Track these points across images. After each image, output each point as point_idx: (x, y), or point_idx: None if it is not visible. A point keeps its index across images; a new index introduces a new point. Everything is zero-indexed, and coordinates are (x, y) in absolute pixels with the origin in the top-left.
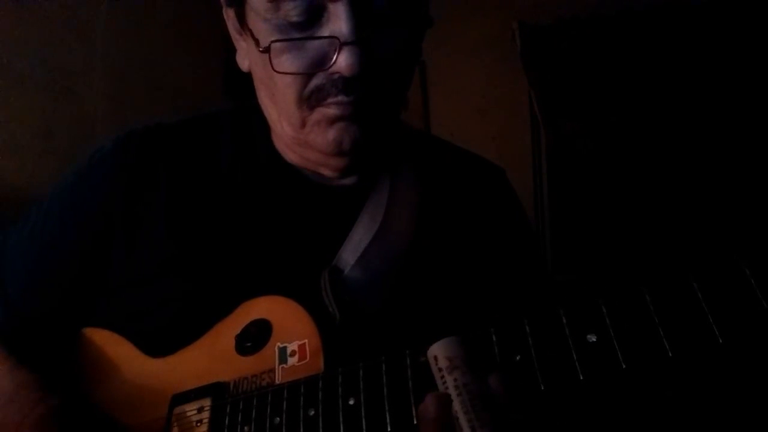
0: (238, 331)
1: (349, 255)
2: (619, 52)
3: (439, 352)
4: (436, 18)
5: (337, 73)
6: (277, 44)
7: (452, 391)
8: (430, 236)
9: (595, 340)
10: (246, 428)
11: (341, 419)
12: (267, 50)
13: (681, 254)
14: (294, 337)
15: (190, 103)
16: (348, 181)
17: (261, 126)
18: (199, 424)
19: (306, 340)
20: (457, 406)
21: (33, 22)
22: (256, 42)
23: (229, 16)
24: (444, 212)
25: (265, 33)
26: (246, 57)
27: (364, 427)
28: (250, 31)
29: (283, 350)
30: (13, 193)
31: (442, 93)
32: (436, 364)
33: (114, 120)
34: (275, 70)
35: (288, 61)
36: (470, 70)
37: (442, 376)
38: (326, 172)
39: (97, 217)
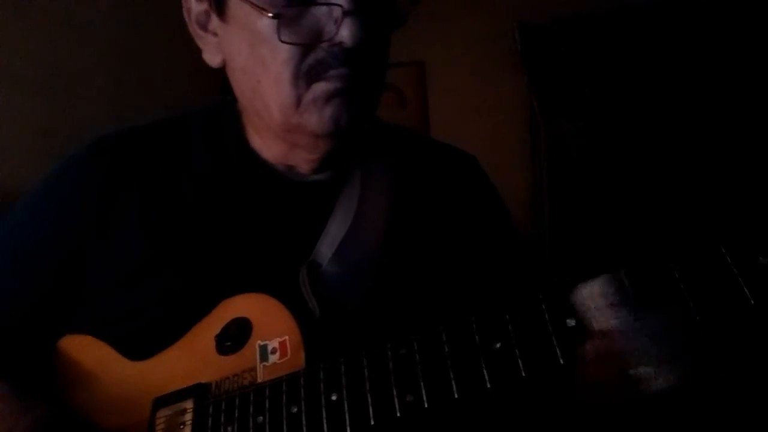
0: (218, 331)
1: (326, 249)
2: (619, 51)
3: (593, 291)
4: (435, 18)
5: (338, 44)
6: (281, 16)
7: (622, 327)
8: (404, 226)
9: (574, 324)
10: (229, 428)
11: (324, 415)
12: (278, 16)
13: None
14: (274, 334)
15: (189, 103)
16: (321, 176)
17: (231, 124)
18: (182, 427)
19: (286, 337)
20: (627, 342)
21: (33, 23)
22: (263, 11)
23: (192, 10)
24: (417, 202)
25: (265, 4)
26: (218, 51)
27: (347, 422)
28: (253, 4)
29: (263, 348)
30: (12, 193)
31: (441, 92)
32: (592, 304)
33: (114, 120)
34: (282, 41)
35: (290, 34)
36: (470, 70)
37: (601, 315)
38: (303, 164)
39: (71, 225)
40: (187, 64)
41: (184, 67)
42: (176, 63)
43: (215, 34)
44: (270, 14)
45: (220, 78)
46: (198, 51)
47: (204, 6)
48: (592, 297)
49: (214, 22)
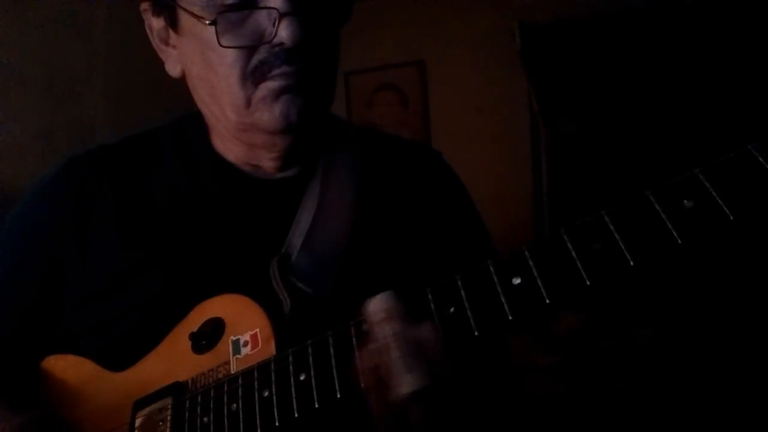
0: (193, 332)
1: (296, 242)
2: (619, 50)
3: (375, 306)
4: (436, 18)
5: (279, 45)
6: (219, 24)
7: (387, 340)
8: (369, 216)
9: (519, 281)
10: (205, 419)
11: (294, 395)
12: (214, 23)
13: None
14: (246, 329)
15: (190, 104)
16: (288, 173)
17: (197, 132)
18: (161, 424)
19: (257, 330)
20: (390, 353)
21: (34, 23)
22: (202, 19)
23: (154, 27)
24: (382, 193)
25: (206, 14)
26: (178, 62)
27: (315, 398)
28: (193, 14)
29: (236, 342)
30: (12, 193)
31: (441, 92)
32: (373, 318)
33: (114, 121)
34: (222, 46)
35: (231, 38)
36: (470, 69)
37: (378, 328)
38: (268, 163)
39: (50, 242)
40: None
41: None
42: None
43: (174, 47)
44: (207, 22)
45: None
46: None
47: (162, 22)
48: (375, 311)
49: (173, 35)
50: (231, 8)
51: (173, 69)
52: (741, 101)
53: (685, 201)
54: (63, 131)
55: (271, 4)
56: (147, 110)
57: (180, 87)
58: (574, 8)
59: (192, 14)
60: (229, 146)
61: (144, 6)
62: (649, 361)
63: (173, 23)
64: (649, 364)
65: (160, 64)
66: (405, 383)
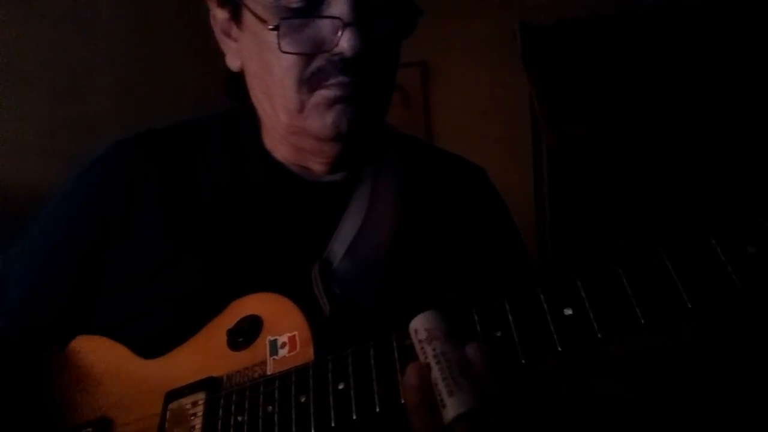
0: (230, 328)
1: (338, 248)
2: (621, 53)
3: (419, 324)
4: (438, 18)
5: (338, 54)
6: (281, 29)
7: (431, 360)
8: (413, 228)
9: (571, 313)
10: (239, 418)
11: (332, 403)
12: (277, 28)
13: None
14: (284, 330)
15: (194, 103)
16: (336, 177)
17: (249, 127)
18: (193, 418)
19: (296, 332)
20: (435, 373)
21: (37, 21)
22: (264, 22)
23: (218, 18)
24: (426, 206)
25: (269, 16)
26: (237, 56)
27: (353, 409)
28: (256, 15)
29: (273, 343)
30: (15, 192)
31: (443, 94)
32: (417, 336)
33: (118, 120)
34: (282, 51)
35: (291, 44)
36: (472, 71)
37: (422, 347)
38: (316, 166)
39: (93, 224)
40: (191, 64)
41: (188, 67)
42: (181, 63)
43: (236, 41)
44: (270, 26)
45: (224, 77)
46: (202, 51)
47: (226, 14)
48: (419, 329)
49: (234, 29)
50: (295, 13)
51: (233, 62)
52: (748, 102)
53: (748, 247)
54: (66, 130)
55: (336, 14)
56: (151, 108)
57: (182, 86)
58: (576, 10)
59: (255, 15)
60: (276, 145)
61: None
62: (650, 363)
63: (236, 17)
64: (650, 367)
65: (162, 62)
66: (449, 406)
